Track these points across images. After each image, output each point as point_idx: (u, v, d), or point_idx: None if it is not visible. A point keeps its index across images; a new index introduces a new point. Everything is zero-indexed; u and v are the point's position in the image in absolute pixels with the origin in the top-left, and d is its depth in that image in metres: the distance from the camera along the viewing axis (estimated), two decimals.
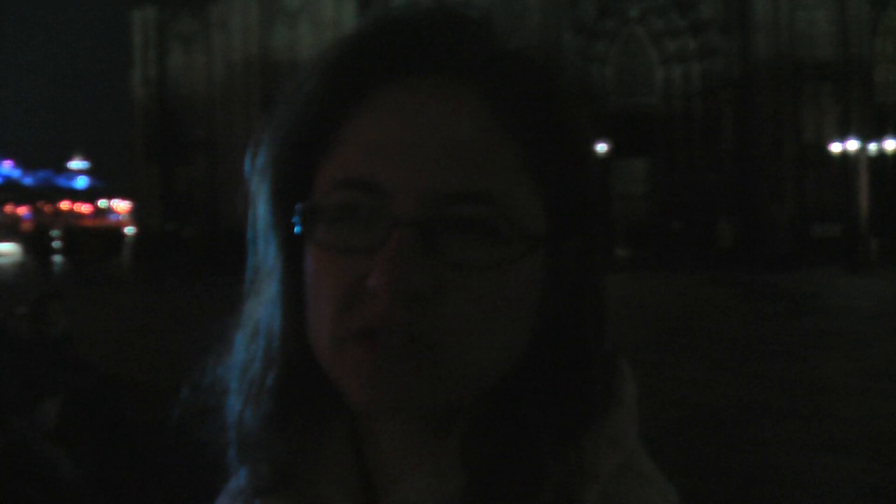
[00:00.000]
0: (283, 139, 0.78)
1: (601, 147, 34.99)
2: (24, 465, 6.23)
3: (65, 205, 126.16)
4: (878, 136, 37.77)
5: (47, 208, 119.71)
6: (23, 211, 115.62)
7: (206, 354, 0.85)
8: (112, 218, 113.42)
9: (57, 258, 42.34)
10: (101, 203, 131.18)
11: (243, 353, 0.82)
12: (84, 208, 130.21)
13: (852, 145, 37.16)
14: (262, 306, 0.81)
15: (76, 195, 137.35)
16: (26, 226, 72.59)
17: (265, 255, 0.81)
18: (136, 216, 46.94)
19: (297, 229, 0.76)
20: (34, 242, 42.30)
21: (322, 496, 0.80)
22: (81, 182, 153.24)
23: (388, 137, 0.73)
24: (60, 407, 7.03)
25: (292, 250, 0.78)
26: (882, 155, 37.59)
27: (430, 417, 0.76)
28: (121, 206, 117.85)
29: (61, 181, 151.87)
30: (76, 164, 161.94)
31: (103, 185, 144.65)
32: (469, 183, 0.72)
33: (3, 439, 6.23)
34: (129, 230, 54.12)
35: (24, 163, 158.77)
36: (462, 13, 0.78)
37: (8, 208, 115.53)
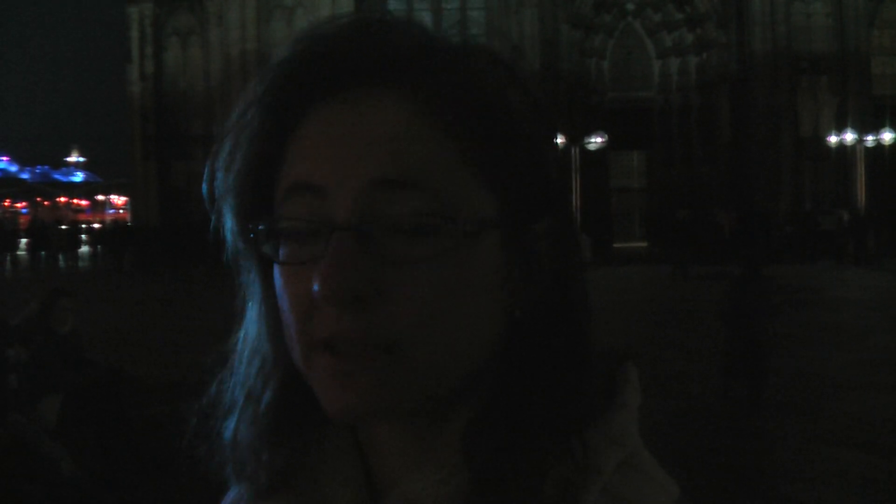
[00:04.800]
0: (238, 167, 0.79)
1: (597, 140, 34.99)
2: (26, 462, 6.25)
3: (62, 200, 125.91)
4: (876, 128, 37.80)
5: (45, 203, 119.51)
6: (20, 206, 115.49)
7: (208, 357, 0.87)
8: (110, 213, 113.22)
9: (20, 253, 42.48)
10: (99, 198, 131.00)
11: (242, 373, 0.85)
12: (82, 203, 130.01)
13: (849, 138, 37.19)
14: (251, 325, 0.84)
15: (74, 190, 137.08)
16: (24, 220, 72.41)
17: (245, 276, 0.83)
18: (133, 211, 46.89)
19: (260, 250, 0.78)
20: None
21: (325, 495, 0.82)
22: (79, 177, 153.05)
23: (318, 143, 0.75)
24: (61, 404, 7.05)
25: (266, 270, 0.80)
26: (879, 147, 37.61)
27: (420, 416, 0.77)
28: (119, 201, 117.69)
29: (59, 176, 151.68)
30: (73, 159, 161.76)
31: (101, 181, 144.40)
32: (395, 172, 0.72)
33: (4, 436, 6.25)
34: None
35: (21, 158, 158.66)
36: (376, 19, 0.79)
37: (6, 203, 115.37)
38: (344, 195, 0.73)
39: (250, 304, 0.84)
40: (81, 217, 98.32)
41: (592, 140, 34.94)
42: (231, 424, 0.84)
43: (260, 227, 0.77)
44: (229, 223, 0.81)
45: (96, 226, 60.83)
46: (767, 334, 9.93)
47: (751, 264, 10.23)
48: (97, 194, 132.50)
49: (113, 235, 42.58)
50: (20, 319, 7.50)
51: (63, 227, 44.99)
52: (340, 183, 0.73)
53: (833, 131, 38.43)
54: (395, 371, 0.72)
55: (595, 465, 0.74)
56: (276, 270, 0.77)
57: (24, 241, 44.55)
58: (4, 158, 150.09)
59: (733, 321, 9.91)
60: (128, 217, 57.46)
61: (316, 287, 0.71)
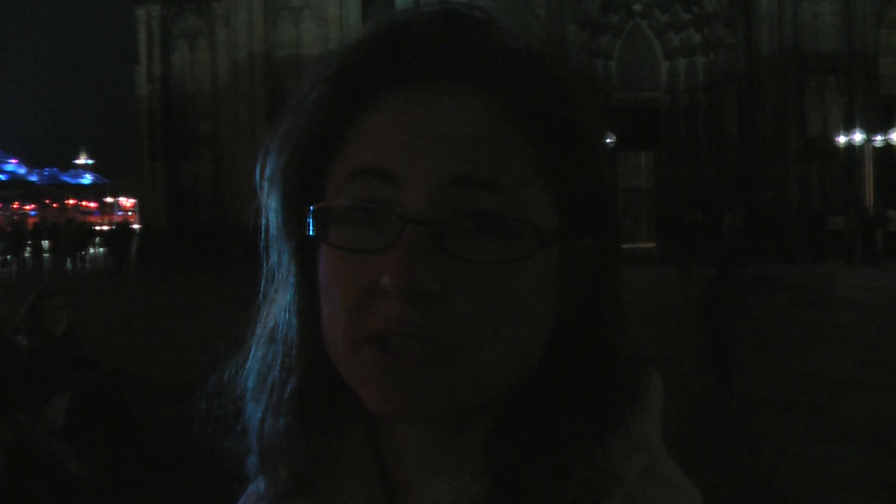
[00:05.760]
0: (293, 147, 0.78)
1: (607, 141, 34.92)
2: (33, 463, 6.26)
3: (71, 202, 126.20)
4: (884, 128, 37.66)
5: (54, 206, 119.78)
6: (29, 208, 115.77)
7: (215, 355, 0.86)
8: (118, 214, 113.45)
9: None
10: (108, 200, 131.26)
11: (261, 360, 0.82)
12: (90, 205, 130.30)
13: (857, 138, 37.09)
14: (278, 314, 0.81)
15: (82, 192, 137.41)
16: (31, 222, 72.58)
17: (278, 262, 0.81)
18: (141, 212, 46.96)
19: (310, 232, 0.75)
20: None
21: (343, 498, 0.81)
22: (87, 179, 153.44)
23: (394, 131, 0.73)
24: (68, 404, 7.05)
25: (305, 257, 0.78)
26: (887, 147, 37.47)
27: (450, 420, 0.75)
28: (127, 202, 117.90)
29: (67, 178, 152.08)
30: (82, 161, 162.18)
31: (109, 182, 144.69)
32: (475, 170, 0.71)
33: (11, 437, 6.25)
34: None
35: (29, 160, 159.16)
36: (464, 14, 0.78)
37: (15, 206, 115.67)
38: (419, 187, 0.71)
39: (280, 290, 0.81)
40: (90, 219, 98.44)
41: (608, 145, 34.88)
42: (257, 415, 0.82)
43: (312, 208, 0.75)
44: (274, 203, 0.79)
45: (104, 227, 60.95)
46: (734, 329, 10.15)
47: (725, 263, 10.54)
48: (105, 196, 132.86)
49: (117, 236, 42.60)
50: (16, 322, 7.50)
51: (71, 228, 45.04)
52: (417, 174, 0.71)
53: (841, 131, 38.30)
54: (455, 372, 0.71)
55: (617, 472, 0.73)
56: (325, 256, 0.75)
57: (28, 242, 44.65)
58: (13, 161, 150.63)
59: (710, 318, 10.08)
60: (136, 219, 57.54)
61: (386, 279, 0.69)
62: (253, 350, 0.83)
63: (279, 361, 0.81)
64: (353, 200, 0.73)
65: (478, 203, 0.71)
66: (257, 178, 0.81)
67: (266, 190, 0.80)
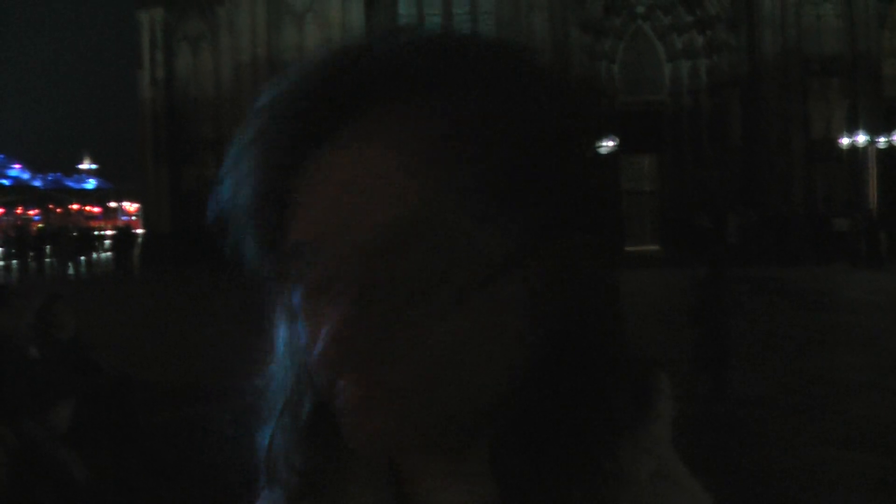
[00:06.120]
0: (249, 204, 0.75)
1: (608, 144, 34.89)
2: (38, 468, 6.27)
3: (75, 207, 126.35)
4: (887, 130, 37.62)
5: (58, 210, 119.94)
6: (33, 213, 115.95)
7: (220, 360, 0.87)
8: (122, 219, 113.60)
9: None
10: (112, 204, 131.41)
11: (281, 379, 0.82)
12: (94, 210, 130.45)
13: (861, 140, 37.07)
14: (287, 336, 0.81)
15: (86, 197, 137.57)
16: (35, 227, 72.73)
17: (268, 294, 0.81)
18: (144, 216, 47.01)
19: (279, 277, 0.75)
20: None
21: (354, 500, 0.81)
22: (91, 184, 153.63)
23: (316, 193, 0.70)
24: (73, 409, 7.06)
25: (288, 294, 0.77)
26: (891, 149, 37.42)
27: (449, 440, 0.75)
28: (131, 207, 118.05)
29: (71, 183, 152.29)
30: (86, 166, 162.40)
31: (113, 187, 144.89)
32: (397, 225, 0.67)
33: (16, 442, 6.26)
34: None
35: (33, 165, 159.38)
36: (360, 44, 0.72)
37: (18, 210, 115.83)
38: (344, 252, 0.68)
39: (278, 320, 0.81)
40: (94, 224, 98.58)
41: (603, 143, 34.83)
42: (268, 432, 0.82)
43: (271, 267, 0.75)
44: (249, 246, 0.78)
45: (109, 232, 61.07)
46: (727, 330, 10.25)
47: (714, 265, 10.56)
48: (109, 201, 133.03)
49: (119, 241, 42.62)
50: (22, 327, 7.51)
51: (74, 233, 45.09)
52: (340, 239, 0.68)
53: (844, 133, 38.30)
54: (414, 416, 0.70)
55: (626, 476, 0.72)
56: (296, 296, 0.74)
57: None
58: (17, 166, 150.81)
59: (699, 319, 10.16)
60: (140, 223, 57.66)
61: (322, 350, 0.68)
62: (270, 369, 0.83)
63: (293, 380, 0.81)
64: (294, 272, 0.72)
65: (405, 259, 0.67)
66: (212, 215, 0.79)
67: (234, 230, 0.78)
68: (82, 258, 41.90)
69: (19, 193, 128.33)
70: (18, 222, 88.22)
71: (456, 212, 0.67)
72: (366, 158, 0.68)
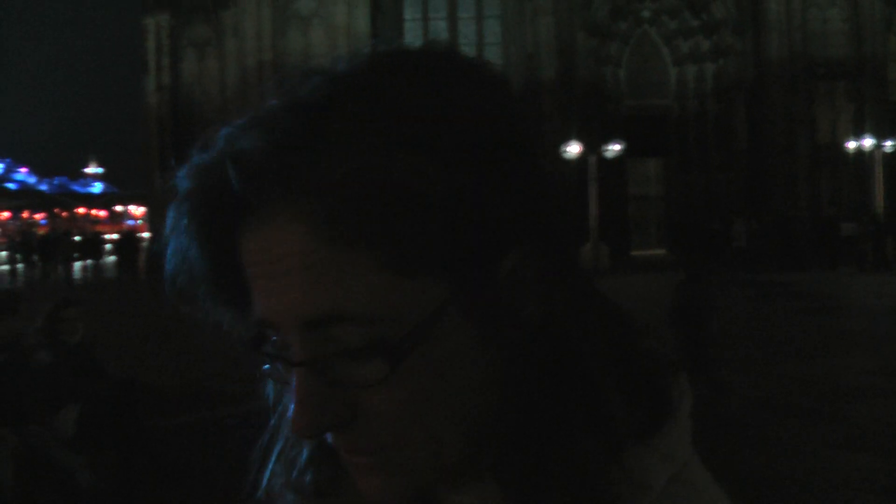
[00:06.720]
0: (203, 275, 0.78)
1: (614, 148, 34.84)
2: (44, 473, 6.27)
3: (81, 211, 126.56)
4: (893, 133, 37.58)
5: (63, 215, 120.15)
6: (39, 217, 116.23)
7: (224, 365, 0.86)
8: (128, 223, 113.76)
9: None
10: (118, 208, 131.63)
11: (273, 429, 0.85)
12: (100, 214, 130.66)
13: (867, 143, 37.02)
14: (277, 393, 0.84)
15: (92, 201, 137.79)
16: (41, 231, 72.87)
17: None
18: (150, 221, 47.04)
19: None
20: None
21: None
22: (97, 188, 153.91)
23: (252, 275, 0.72)
24: (79, 414, 7.06)
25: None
26: None
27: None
28: (137, 211, 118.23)
29: (77, 187, 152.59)
30: (92, 170, 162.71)
31: (119, 191, 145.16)
32: (317, 309, 0.68)
33: (22, 447, 6.27)
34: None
35: (39, 169, 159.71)
36: (269, 135, 0.69)
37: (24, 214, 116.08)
38: (290, 331, 0.70)
39: None
40: (100, 228, 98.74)
41: (609, 148, 34.83)
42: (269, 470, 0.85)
43: (248, 340, 0.77)
44: (222, 316, 0.81)
45: (114, 236, 61.17)
46: (710, 332, 10.17)
47: (694, 269, 10.55)
48: (115, 205, 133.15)
49: (123, 245, 42.65)
50: (31, 332, 7.51)
51: (77, 238, 45.12)
52: (283, 319, 0.70)
53: (850, 137, 38.25)
54: (399, 468, 0.72)
55: (644, 481, 0.72)
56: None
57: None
58: (23, 170, 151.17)
59: (676, 320, 10.11)
60: (146, 228, 57.73)
61: (292, 422, 0.70)
62: (280, 411, 0.85)
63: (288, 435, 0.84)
64: (260, 351, 0.75)
65: (339, 334, 0.68)
66: (172, 291, 0.82)
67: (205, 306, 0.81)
68: (80, 263, 41.94)
69: (25, 198, 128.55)
70: (25, 227, 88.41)
71: (369, 284, 0.67)
72: (274, 247, 0.69)
